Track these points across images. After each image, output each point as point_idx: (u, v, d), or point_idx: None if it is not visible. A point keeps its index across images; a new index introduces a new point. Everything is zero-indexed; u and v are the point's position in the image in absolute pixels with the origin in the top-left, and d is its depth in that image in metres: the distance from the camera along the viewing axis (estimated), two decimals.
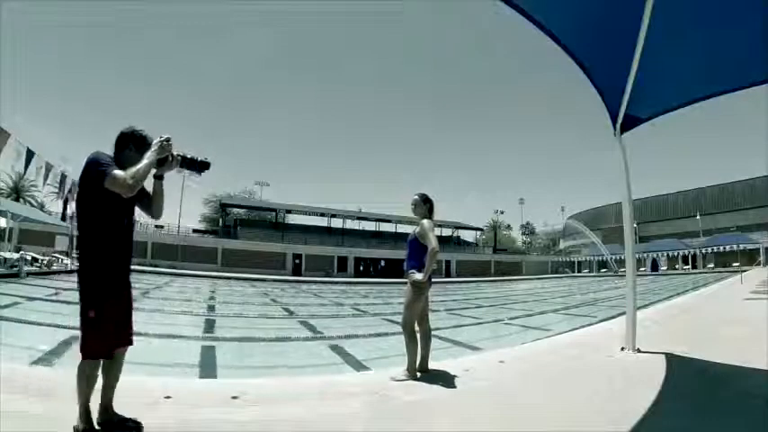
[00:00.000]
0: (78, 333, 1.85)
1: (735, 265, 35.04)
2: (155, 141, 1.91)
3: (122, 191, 1.76)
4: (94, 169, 1.79)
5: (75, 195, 1.94)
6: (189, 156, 2.03)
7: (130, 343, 2.01)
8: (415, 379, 2.97)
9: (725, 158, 79.89)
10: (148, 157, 1.85)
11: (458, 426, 2.23)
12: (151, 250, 33.40)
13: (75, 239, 26.80)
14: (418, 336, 3.12)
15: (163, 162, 1.93)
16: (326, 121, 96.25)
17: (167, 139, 1.91)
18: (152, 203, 2.07)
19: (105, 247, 1.89)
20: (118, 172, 1.77)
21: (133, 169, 1.80)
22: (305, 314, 9.87)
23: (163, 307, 9.68)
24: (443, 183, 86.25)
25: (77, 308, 1.85)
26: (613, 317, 7.79)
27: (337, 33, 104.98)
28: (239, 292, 16.57)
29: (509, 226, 70.01)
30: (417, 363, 3.08)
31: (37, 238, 25.49)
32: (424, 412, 2.41)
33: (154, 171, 1.93)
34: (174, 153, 1.97)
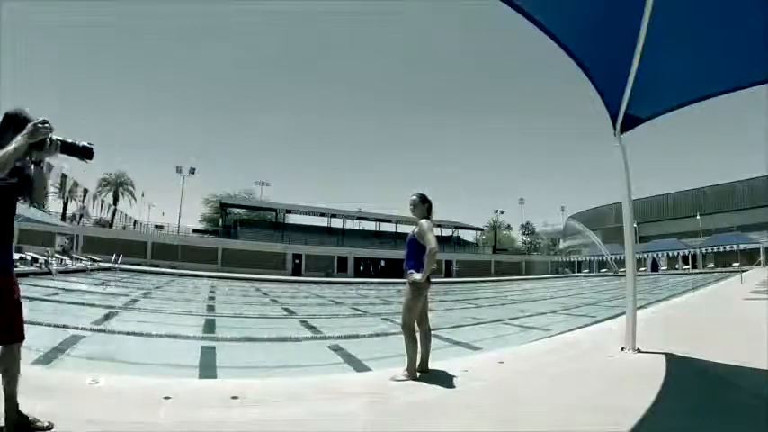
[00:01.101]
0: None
1: (735, 264, 35.06)
2: (29, 124, 1.81)
3: None
4: None
5: None
6: (69, 141, 1.95)
7: (17, 340, 1.85)
8: (415, 379, 2.97)
9: (725, 158, 79.86)
10: (17, 141, 1.74)
11: (458, 426, 2.23)
12: (151, 250, 33.42)
13: (75, 239, 26.88)
14: (418, 336, 3.12)
15: (40, 146, 1.85)
16: (327, 121, 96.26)
17: (43, 122, 1.81)
18: (32, 188, 1.96)
19: None
20: None
21: None
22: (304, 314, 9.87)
23: (163, 307, 9.69)
24: (443, 182, 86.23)
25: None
26: (613, 317, 7.79)
27: (338, 33, 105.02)
28: (242, 292, 16.57)
29: (509, 226, 69.96)
30: (417, 363, 3.08)
31: (37, 237, 25.49)
32: (424, 412, 2.41)
33: (35, 156, 1.87)
34: (54, 137, 1.88)
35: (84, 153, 1.99)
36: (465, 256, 47.75)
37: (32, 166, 1.92)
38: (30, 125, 1.79)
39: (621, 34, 3.33)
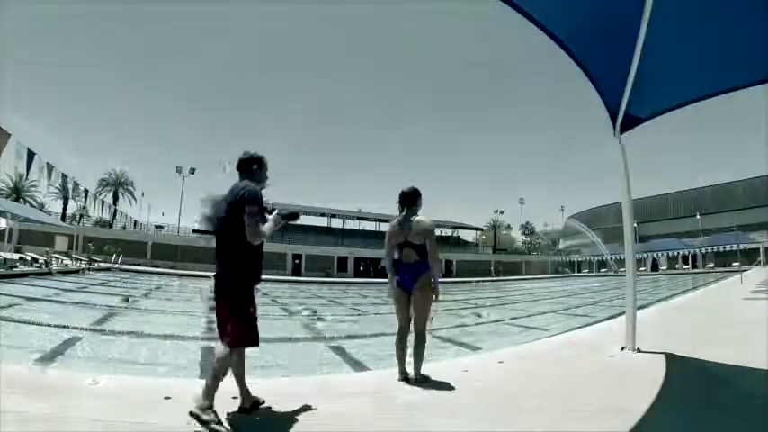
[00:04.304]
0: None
1: (735, 264, 35.01)
2: (276, 217, 2.30)
3: (251, 240, 2.17)
4: (255, 215, 2.16)
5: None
6: (286, 212, 2.35)
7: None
8: (405, 380, 2.94)
9: (724, 158, 79.85)
10: (274, 223, 2.26)
11: (458, 426, 2.23)
12: (151, 250, 33.42)
13: (75, 239, 26.85)
14: (412, 339, 3.02)
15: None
16: (327, 121, 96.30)
17: (299, 214, 2.40)
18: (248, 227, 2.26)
19: None
20: (260, 230, 2.19)
21: (265, 229, 2.20)
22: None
23: (162, 307, 9.68)
24: (443, 182, 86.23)
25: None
26: (613, 316, 7.79)
27: (337, 33, 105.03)
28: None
29: (509, 226, 70.01)
30: (405, 367, 3.01)
31: (37, 238, 25.47)
32: (424, 412, 2.41)
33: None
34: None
35: (293, 218, 2.39)
36: (465, 255, 47.72)
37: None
38: (290, 215, 2.35)
39: (621, 34, 3.33)
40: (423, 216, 3.08)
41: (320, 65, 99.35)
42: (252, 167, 2.33)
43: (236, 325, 2.13)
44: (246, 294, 2.23)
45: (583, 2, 3.17)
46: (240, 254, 2.22)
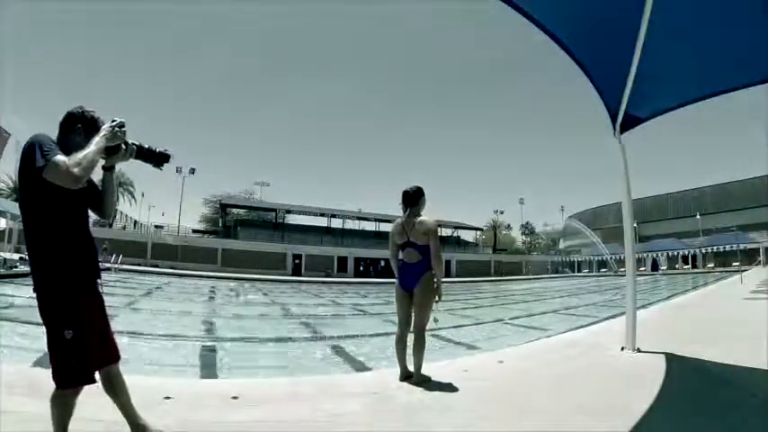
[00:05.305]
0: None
1: (735, 264, 35.01)
2: (105, 126, 1.65)
3: (65, 182, 1.45)
4: (33, 156, 1.47)
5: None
6: (146, 146, 1.78)
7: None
8: (403, 380, 2.94)
9: (724, 158, 79.79)
10: (97, 144, 1.56)
11: (457, 426, 2.23)
12: (151, 250, 33.42)
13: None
14: (411, 339, 3.03)
15: (115, 151, 1.69)
16: (327, 121, 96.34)
17: (120, 125, 1.65)
18: (102, 199, 1.81)
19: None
20: (60, 158, 1.46)
21: (78, 156, 1.48)
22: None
23: (162, 307, 9.68)
24: (443, 182, 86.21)
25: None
26: (613, 316, 7.79)
27: (337, 32, 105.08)
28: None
29: (509, 226, 69.92)
30: (406, 367, 3.01)
31: None
32: (424, 412, 2.41)
33: (103, 162, 1.69)
34: (129, 142, 1.72)
35: (161, 159, 1.82)
36: (465, 255, 47.71)
37: (104, 173, 1.77)
38: (107, 127, 1.64)
39: (621, 34, 3.33)
40: (426, 216, 3.08)
41: (320, 64, 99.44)
42: (75, 127, 1.67)
43: (50, 355, 1.55)
44: (57, 306, 1.54)
45: (583, 2, 3.17)
46: (38, 240, 1.57)
